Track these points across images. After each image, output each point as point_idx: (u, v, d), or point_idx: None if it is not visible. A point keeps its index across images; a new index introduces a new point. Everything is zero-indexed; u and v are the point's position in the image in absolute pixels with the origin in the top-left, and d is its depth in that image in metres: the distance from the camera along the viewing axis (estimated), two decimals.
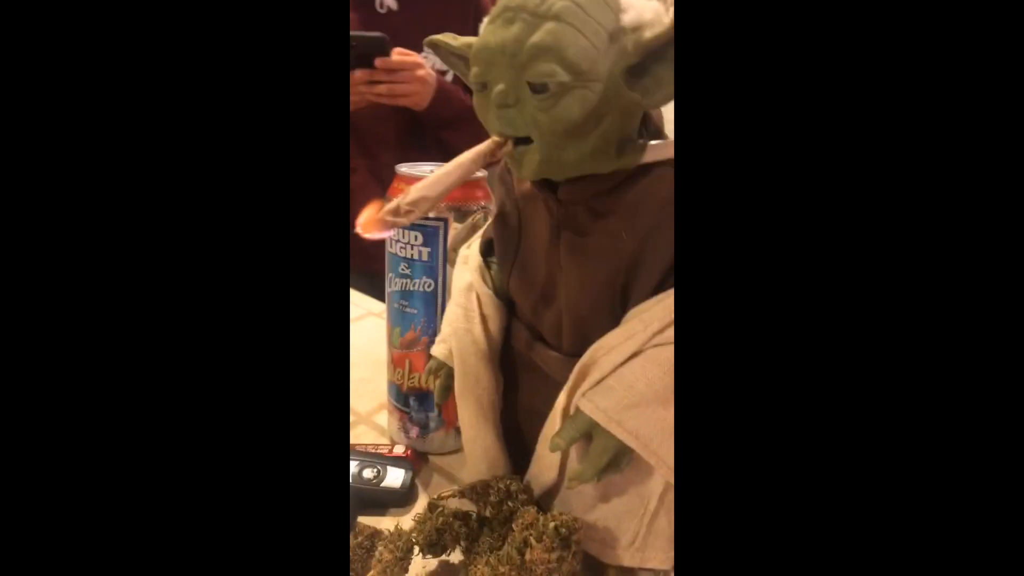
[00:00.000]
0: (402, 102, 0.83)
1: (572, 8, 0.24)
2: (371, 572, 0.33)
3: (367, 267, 0.62)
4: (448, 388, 0.38)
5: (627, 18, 0.24)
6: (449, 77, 0.90)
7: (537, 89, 0.25)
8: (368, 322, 0.75)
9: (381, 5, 0.89)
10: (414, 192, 0.25)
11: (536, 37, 0.24)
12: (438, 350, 0.38)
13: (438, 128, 0.89)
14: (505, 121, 0.26)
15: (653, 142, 0.29)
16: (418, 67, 0.82)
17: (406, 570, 0.32)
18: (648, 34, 0.24)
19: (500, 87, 0.26)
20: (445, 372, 0.38)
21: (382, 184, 0.90)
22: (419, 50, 0.87)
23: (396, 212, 0.25)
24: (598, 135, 0.26)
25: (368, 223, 0.25)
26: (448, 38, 0.32)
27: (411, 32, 0.86)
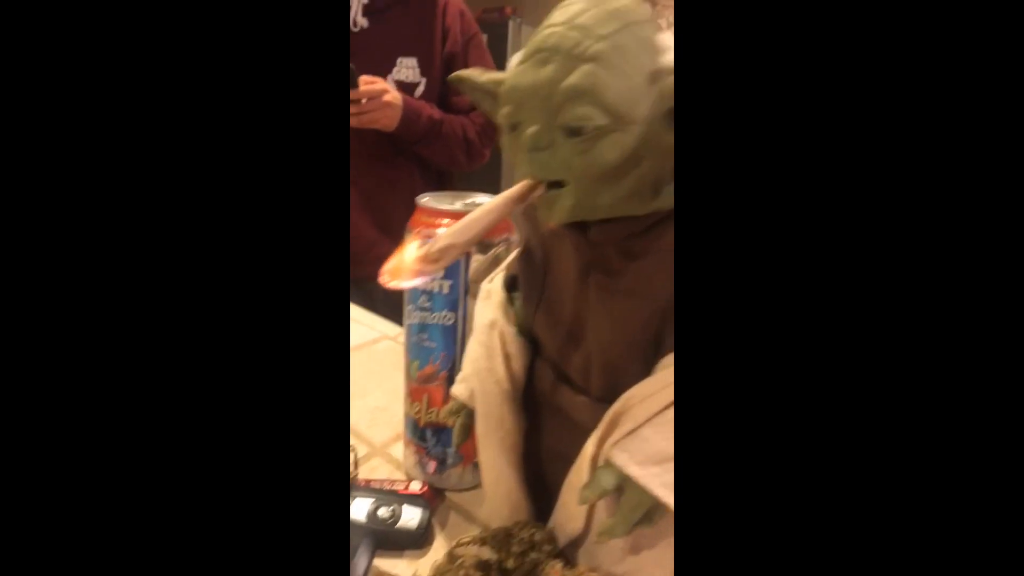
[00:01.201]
0: (373, 127, 0.88)
1: (610, 50, 0.23)
2: None
3: (354, 273, 0.63)
4: (468, 428, 0.37)
5: (667, 59, 0.23)
6: (420, 91, 0.94)
7: (572, 132, 0.24)
8: (383, 345, 0.74)
9: (354, 23, 0.93)
10: (443, 240, 0.24)
11: (572, 79, 0.23)
12: (459, 390, 0.37)
13: (410, 144, 0.94)
14: (537, 165, 0.25)
15: None
16: (384, 93, 0.87)
17: None
18: None
19: (533, 129, 0.25)
20: (465, 413, 0.37)
21: (362, 195, 0.92)
22: (391, 65, 0.93)
23: (426, 260, 0.24)
24: (634, 178, 0.25)
25: (396, 271, 0.24)
26: (474, 74, 0.31)
27: (381, 49, 0.92)
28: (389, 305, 0.57)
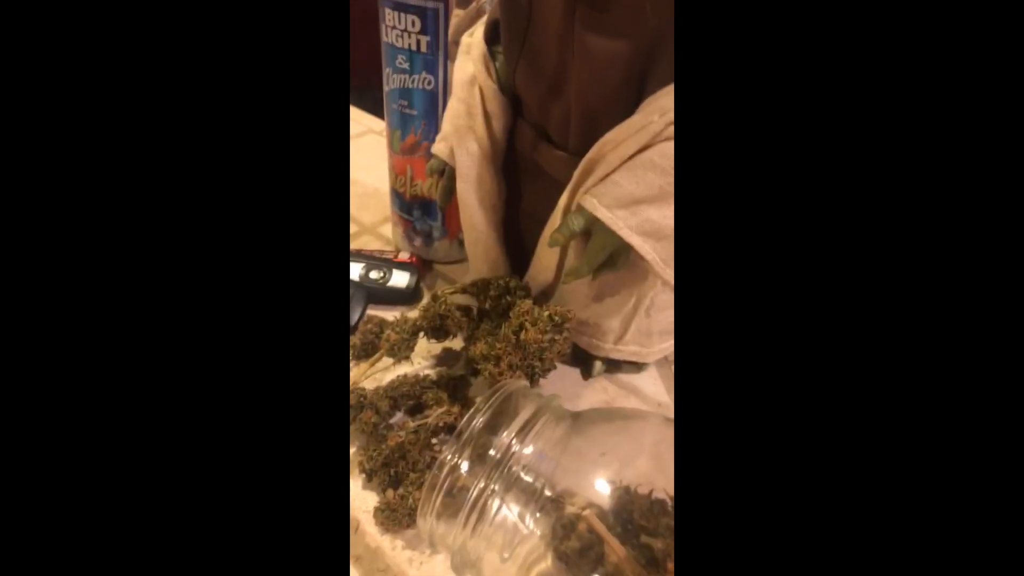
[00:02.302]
0: None
1: None
2: (379, 351, 0.36)
3: (359, 81, 0.59)
4: (450, 190, 0.38)
5: None
6: None
7: None
8: (369, 139, 0.72)
9: None
10: None
11: None
12: (439, 148, 0.37)
13: None
14: None
15: None
16: None
17: (411, 349, 0.36)
18: None
19: None
20: (447, 173, 0.37)
21: None
22: None
23: None
24: None
25: None
26: None
27: None
28: (376, 104, 0.54)
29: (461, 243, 0.47)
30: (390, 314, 0.38)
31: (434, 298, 0.36)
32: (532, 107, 0.34)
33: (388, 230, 0.54)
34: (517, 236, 0.40)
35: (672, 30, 0.26)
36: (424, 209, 0.47)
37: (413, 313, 0.36)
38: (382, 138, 0.71)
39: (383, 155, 0.48)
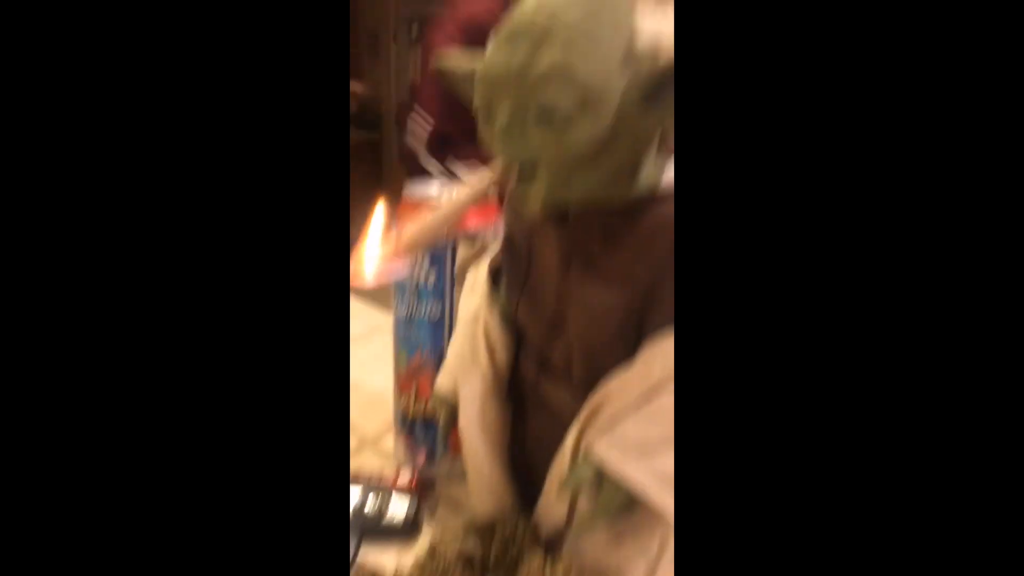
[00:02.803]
0: None
1: (582, 31, 0.22)
2: None
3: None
4: (453, 420, 0.37)
5: (642, 40, 0.23)
6: None
7: (544, 116, 0.23)
8: (377, 338, 0.74)
9: None
10: (407, 233, 0.24)
11: (544, 60, 0.23)
12: (442, 382, 0.37)
13: None
14: (510, 148, 0.25)
15: (668, 170, 0.27)
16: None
17: None
18: (665, 60, 0.22)
19: (504, 116, 0.24)
20: (450, 405, 0.37)
21: None
22: None
23: (390, 256, 0.23)
24: (610, 163, 0.25)
25: (360, 269, 0.23)
26: (458, 62, 0.30)
27: None
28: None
29: (463, 461, 0.44)
30: (384, 556, 0.34)
31: (432, 553, 0.32)
32: (534, 342, 0.34)
33: (390, 442, 0.52)
34: (524, 464, 0.37)
35: (669, 277, 0.27)
36: (427, 427, 0.45)
37: (409, 562, 0.32)
38: (390, 336, 0.73)
39: (391, 355, 0.48)
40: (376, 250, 0.24)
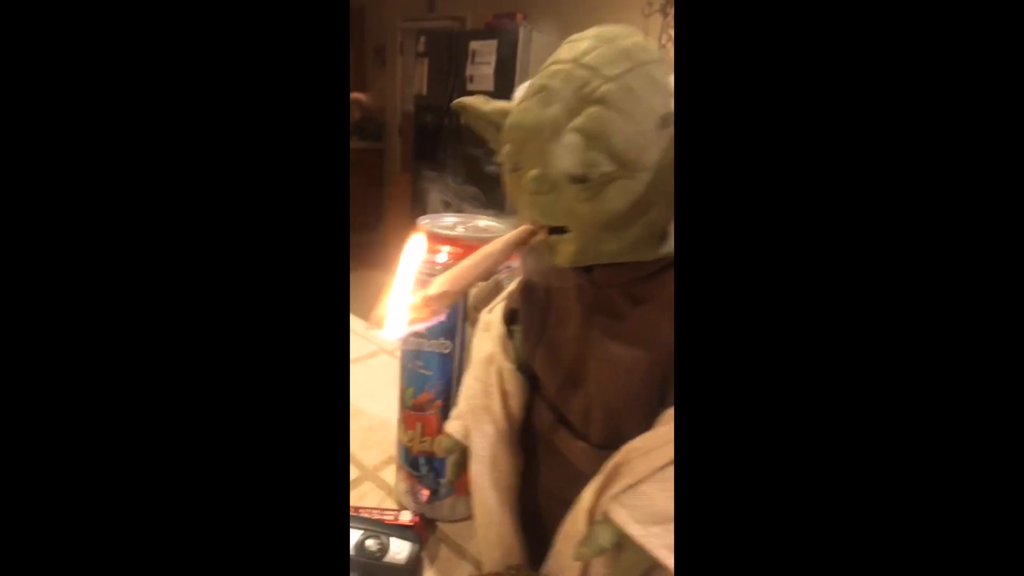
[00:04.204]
0: None
1: (618, 92, 0.22)
2: None
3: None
4: (461, 466, 0.36)
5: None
6: None
7: (577, 179, 0.23)
8: (380, 360, 0.73)
9: None
10: (437, 286, 0.23)
11: (577, 122, 0.22)
12: (453, 427, 0.36)
13: None
14: (539, 209, 0.24)
15: None
16: None
17: None
18: None
19: (535, 173, 0.23)
20: (459, 451, 0.36)
21: None
22: None
23: (418, 308, 0.22)
24: (642, 226, 0.24)
25: (383, 319, 0.22)
26: (478, 102, 0.30)
27: None
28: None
29: (469, 498, 0.43)
30: None
31: None
32: (551, 391, 0.33)
33: (390, 473, 0.50)
34: (534, 515, 0.36)
35: None
36: (431, 465, 0.44)
37: None
38: (395, 359, 0.72)
39: (395, 379, 0.47)
40: (405, 300, 0.23)
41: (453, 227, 0.41)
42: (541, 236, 0.25)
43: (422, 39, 3.11)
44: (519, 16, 3.03)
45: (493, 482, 0.34)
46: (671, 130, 0.22)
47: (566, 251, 0.25)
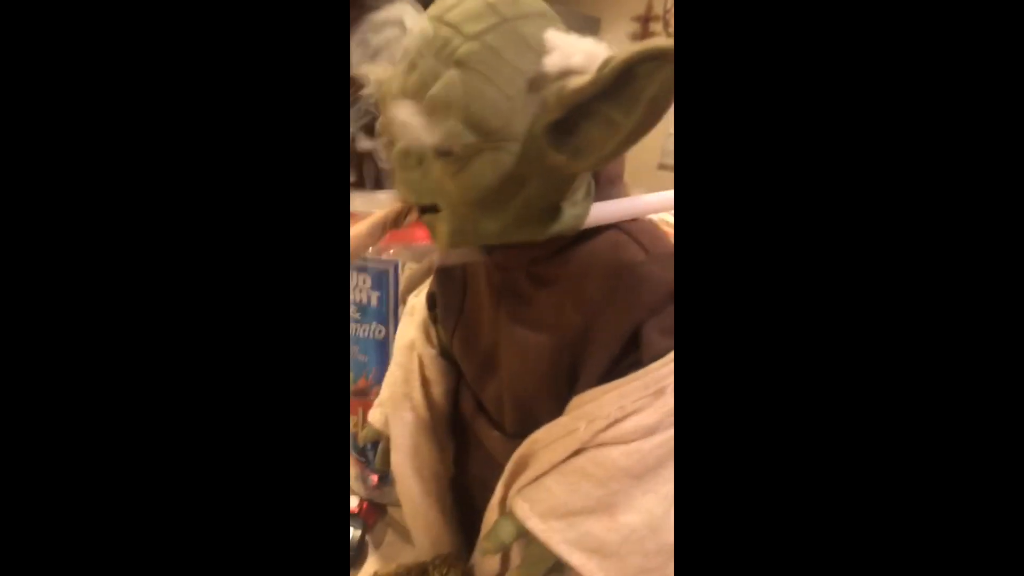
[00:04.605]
0: None
1: (480, 51, 0.19)
2: None
3: None
4: (388, 456, 0.35)
5: (552, 61, 0.20)
6: None
7: (441, 151, 0.20)
8: None
9: None
10: None
11: (435, 88, 0.20)
12: (375, 416, 0.34)
13: None
14: (408, 186, 0.22)
15: (601, 202, 0.24)
16: None
17: None
18: (573, 84, 0.19)
19: (400, 147, 0.21)
20: (383, 441, 0.34)
21: None
22: None
23: None
24: (520, 203, 0.22)
25: None
26: (380, 72, 0.27)
27: None
28: None
29: None
30: None
31: None
32: (469, 376, 0.32)
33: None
34: (468, 499, 0.35)
35: (600, 322, 0.25)
36: (377, 451, 0.43)
37: None
38: None
39: None
40: None
41: (369, 204, 0.39)
42: (412, 216, 0.23)
43: None
44: None
45: (415, 471, 0.33)
46: (544, 94, 0.20)
47: (442, 232, 0.23)
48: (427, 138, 0.20)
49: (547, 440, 0.25)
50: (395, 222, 0.23)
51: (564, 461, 0.25)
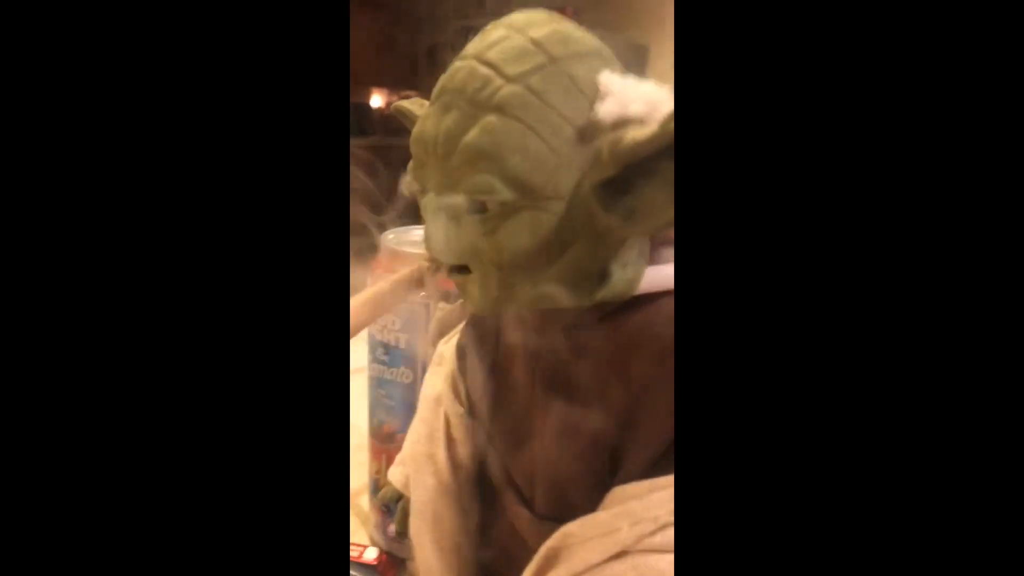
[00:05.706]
0: None
1: (523, 95, 0.17)
2: None
3: None
4: (407, 519, 0.32)
5: (606, 108, 0.17)
6: None
7: (474, 207, 0.18)
8: (357, 380, 0.70)
9: None
10: None
11: (469, 136, 0.17)
12: (395, 475, 0.32)
13: None
14: (437, 242, 0.19)
15: (656, 266, 0.21)
16: None
17: None
18: (631, 137, 0.16)
19: (429, 196, 0.19)
20: (403, 503, 0.32)
21: None
22: None
23: None
24: (563, 266, 0.19)
25: None
26: (414, 106, 0.25)
27: None
28: None
29: None
30: None
31: None
32: (499, 444, 0.29)
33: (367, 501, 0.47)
34: (492, 569, 0.32)
35: (648, 401, 0.21)
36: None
37: None
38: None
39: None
40: None
41: (417, 245, 0.37)
42: (440, 275, 0.20)
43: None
44: (568, 11, 2.95)
45: (434, 542, 0.30)
46: (594, 146, 0.17)
47: (473, 296, 0.20)
48: (460, 192, 0.17)
49: (582, 536, 0.22)
50: (418, 281, 0.20)
51: (602, 564, 0.21)
